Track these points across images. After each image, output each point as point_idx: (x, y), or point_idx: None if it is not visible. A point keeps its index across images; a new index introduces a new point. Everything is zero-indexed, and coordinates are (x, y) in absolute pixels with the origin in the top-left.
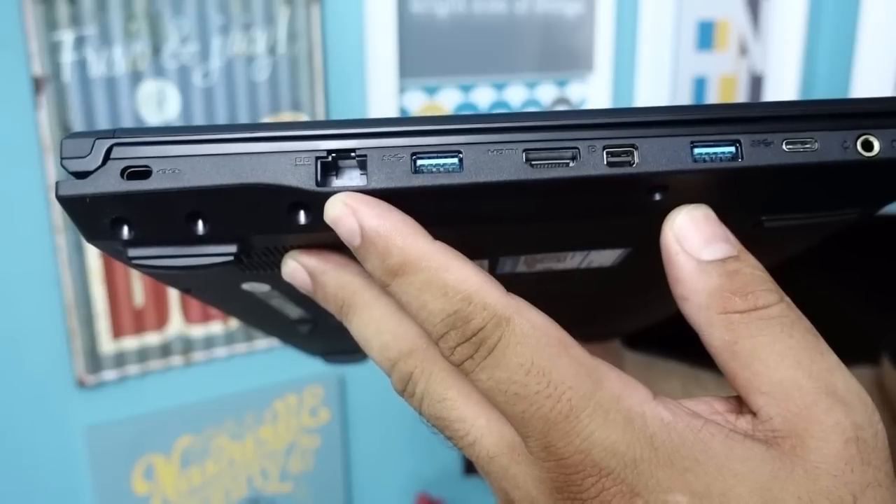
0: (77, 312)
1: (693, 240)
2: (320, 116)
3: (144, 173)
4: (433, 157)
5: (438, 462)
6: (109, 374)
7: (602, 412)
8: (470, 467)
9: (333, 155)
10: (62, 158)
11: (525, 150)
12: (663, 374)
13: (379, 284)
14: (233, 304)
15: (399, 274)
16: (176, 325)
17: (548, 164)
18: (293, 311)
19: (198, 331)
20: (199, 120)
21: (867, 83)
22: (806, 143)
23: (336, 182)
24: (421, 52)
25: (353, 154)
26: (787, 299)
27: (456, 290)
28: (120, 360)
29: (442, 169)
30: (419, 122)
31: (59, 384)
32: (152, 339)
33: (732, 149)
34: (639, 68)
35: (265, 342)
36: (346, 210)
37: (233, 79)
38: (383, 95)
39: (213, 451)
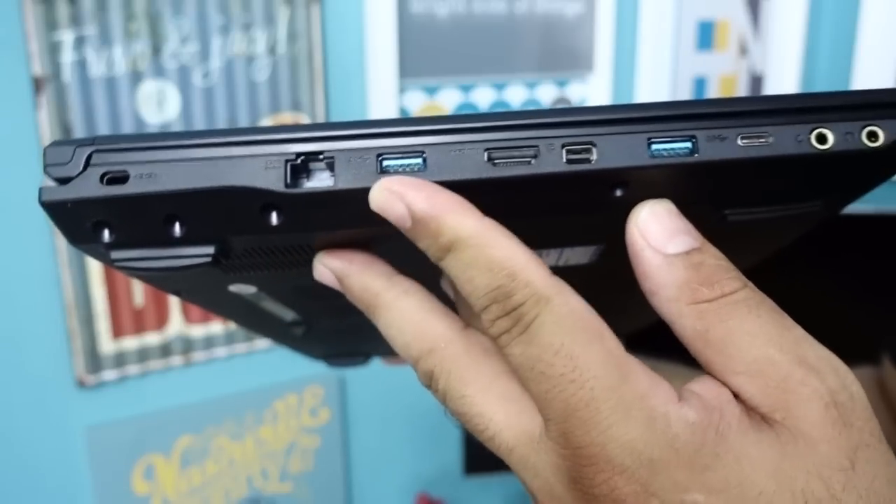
0: (77, 312)
1: (657, 234)
2: (320, 116)
3: (122, 178)
4: (398, 158)
5: (438, 462)
6: (109, 374)
7: (624, 407)
8: (470, 467)
9: (302, 158)
10: (45, 166)
11: (486, 150)
12: (666, 376)
13: (433, 260)
14: (224, 307)
15: (451, 250)
16: (176, 325)
17: (509, 162)
18: (286, 314)
19: (198, 331)
20: (199, 120)
21: (867, 83)
22: (760, 137)
23: (306, 184)
24: (421, 52)
25: (320, 156)
26: (751, 284)
27: (501, 266)
28: (120, 360)
29: (407, 169)
30: (384, 124)
31: (59, 384)
32: (152, 339)
33: (689, 144)
34: (639, 68)
35: (265, 342)
36: (392, 196)
37: (233, 79)
38: (383, 95)
39: (213, 451)
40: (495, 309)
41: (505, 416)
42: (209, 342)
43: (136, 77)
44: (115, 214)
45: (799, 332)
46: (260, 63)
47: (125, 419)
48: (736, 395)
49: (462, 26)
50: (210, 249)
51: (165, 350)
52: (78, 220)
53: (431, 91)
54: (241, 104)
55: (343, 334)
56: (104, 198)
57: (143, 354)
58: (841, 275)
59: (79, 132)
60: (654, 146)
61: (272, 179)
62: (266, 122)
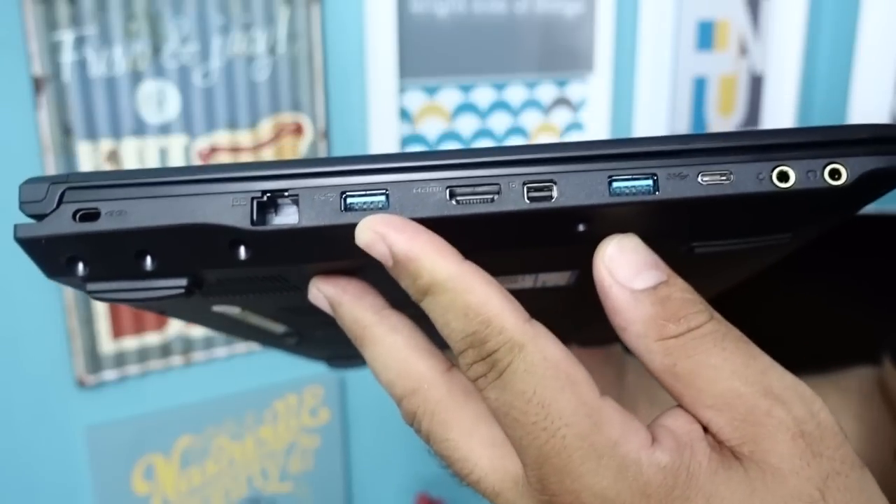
0: (77, 312)
1: (623, 270)
2: (320, 116)
3: (94, 215)
4: (361, 196)
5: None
6: (109, 374)
7: (595, 456)
8: None
9: (268, 195)
10: (21, 203)
11: (448, 188)
12: None
13: (414, 300)
14: (212, 323)
15: (428, 293)
16: (176, 324)
17: (471, 200)
18: (276, 327)
19: (198, 331)
20: (199, 120)
21: (867, 83)
22: (721, 175)
23: (273, 221)
24: (421, 52)
25: (286, 194)
26: (717, 315)
27: (476, 312)
28: (120, 360)
29: (370, 206)
30: (348, 161)
31: (59, 384)
32: (152, 339)
33: (649, 182)
34: (639, 68)
35: None
36: (375, 236)
37: (233, 79)
38: (383, 95)
39: (213, 451)
40: (471, 354)
41: (489, 462)
42: (209, 342)
43: (136, 77)
44: (87, 250)
45: (765, 361)
46: (260, 63)
47: (125, 419)
48: (706, 429)
49: (462, 26)
50: (182, 282)
51: (165, 350)
52: (53, 256)
53: (431, 91)
54: (241, 104)
55: (339, 341)
56: (76, 234)
57: (143, 354)
58: (841, 275)
59: (79, 132)
60: (614, 184)
61: (238, 217)
62: (267, 121)
